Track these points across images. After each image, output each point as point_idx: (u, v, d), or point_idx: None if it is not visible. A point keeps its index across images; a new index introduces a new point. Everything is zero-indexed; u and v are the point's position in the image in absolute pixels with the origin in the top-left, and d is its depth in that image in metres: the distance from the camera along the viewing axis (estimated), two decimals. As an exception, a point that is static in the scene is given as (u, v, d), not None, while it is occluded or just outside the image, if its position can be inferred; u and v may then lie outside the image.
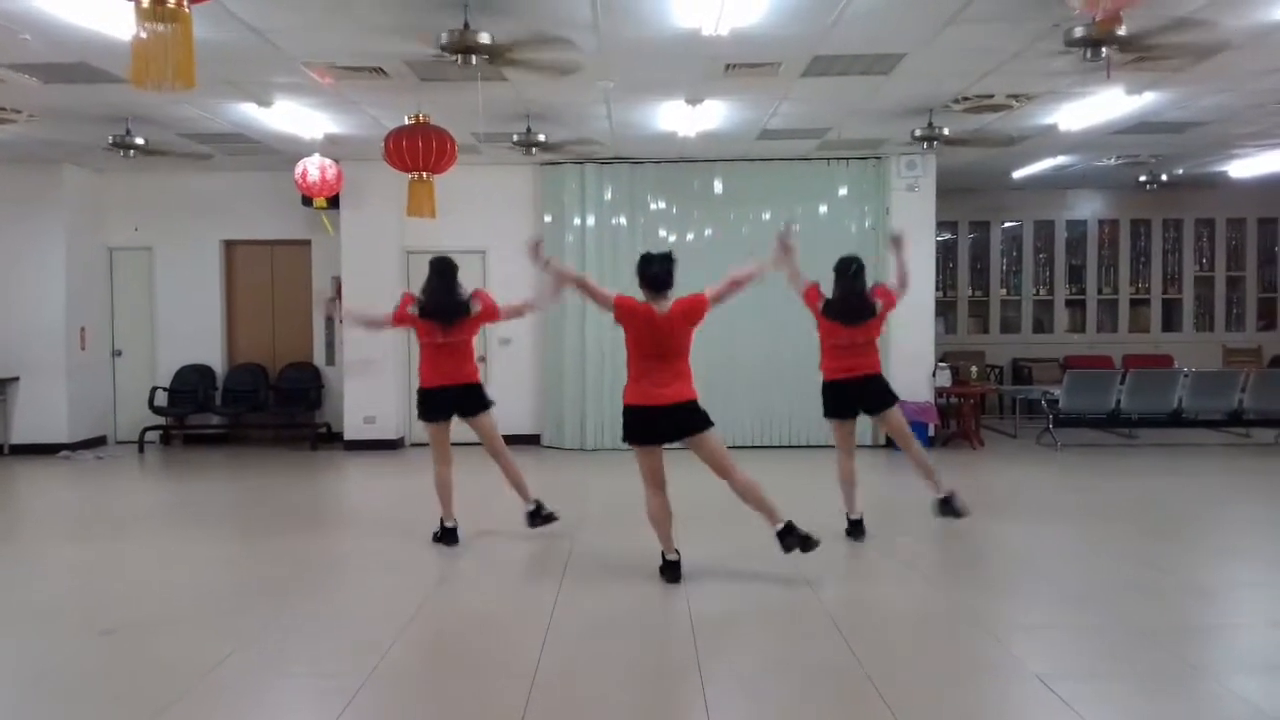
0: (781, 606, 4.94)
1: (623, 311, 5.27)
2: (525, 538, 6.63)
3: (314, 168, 9.30)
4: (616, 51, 6.54)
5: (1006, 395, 12.64)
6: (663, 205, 10.79)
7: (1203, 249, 13.76)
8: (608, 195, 10.70)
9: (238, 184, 11.09)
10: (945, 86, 7.60)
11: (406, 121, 6.97)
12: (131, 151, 8.58)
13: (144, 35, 3.76)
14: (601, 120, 8.65)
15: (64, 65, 6.68)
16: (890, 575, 5.67)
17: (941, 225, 11.82)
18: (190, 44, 3.82)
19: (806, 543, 5.22)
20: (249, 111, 8.09)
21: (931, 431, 10.44)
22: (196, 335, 11.32)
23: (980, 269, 13.77)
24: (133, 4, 3.74)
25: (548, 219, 10.80)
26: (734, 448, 10.39)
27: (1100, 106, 8.13)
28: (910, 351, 10.53)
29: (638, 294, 5.37)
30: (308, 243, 11.24)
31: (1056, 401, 10.56)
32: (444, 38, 5.60)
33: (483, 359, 10.67)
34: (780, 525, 5.26)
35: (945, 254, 13.35)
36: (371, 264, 10.67)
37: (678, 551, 5.41)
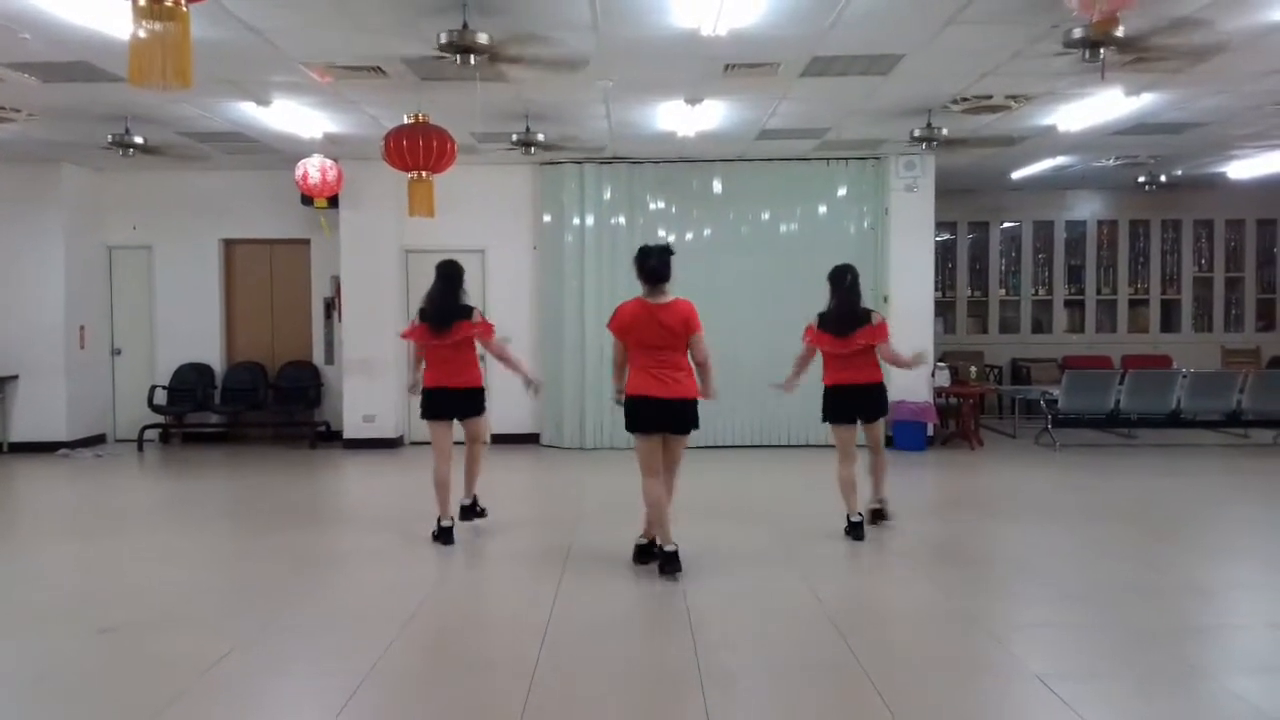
0: (781, 606, 4.94)
1: (622, 326, 5.42)
2: (524, 536, 6.65)
3: (314, 169, 9.31)
4: (615, 51, 6.54)
5: (1005, 395, 12.65)
6: (662, 205, 10.78)
7: (1201, 250, 13.77)
8: (607, 195, 10.70)
9: (237, 183, 11.09)
10: (944, 87, 7.60)
11: (406, 121, 6.96)
12: (131, 150, 8.57)
13: (142, 34, 3.76)
14: (600, 120, 8.65)
15: (63, 64, 6.67)
16: (889, 575, 5.68)
17: (940, 225, 11.82)
18: (188, 43, 3.81)
19: (672, 568, 5.36)
20: (248, 111, 8.09)
21: (930, 431, 10.45)
22: (196, 334, 11.32)
23: (979, 269, 13.78)
24: (130, 3, 3.74)
25: (547, 219, 10.80)
26: (735, 448, 10.54)
27: (1099, 108, 8.14)
28: (909, 351, 10.50)
29: (635, 292, 5.54)
30: (307, 242, 11.23)
31: (1055, 402, 10.56)
32: (443, 37, 5.60)
33: (482, 357, 10.64)
34: (673, 547, 5.38)
35: (944, 254, 13.35)
36: (370, 263, 10.67)
37: (675, 544, 5.42)
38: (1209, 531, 6.76)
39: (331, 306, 11.24)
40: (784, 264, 10.44)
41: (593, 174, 10.64)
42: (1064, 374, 10.93)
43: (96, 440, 11.12)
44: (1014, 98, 7.85)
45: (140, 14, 3.74)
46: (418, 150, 6.72)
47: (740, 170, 10.67)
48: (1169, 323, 13.75)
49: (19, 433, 10.65)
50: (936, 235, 11.24)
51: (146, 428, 10.98)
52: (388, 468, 9.67)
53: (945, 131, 8.47)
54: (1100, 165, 11.20)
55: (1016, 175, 11.85)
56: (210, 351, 11.36)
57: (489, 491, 6.99)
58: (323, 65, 6.82)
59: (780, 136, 9.49)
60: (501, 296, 10.70)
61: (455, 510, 6.45)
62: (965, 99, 7.89)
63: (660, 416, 5.36)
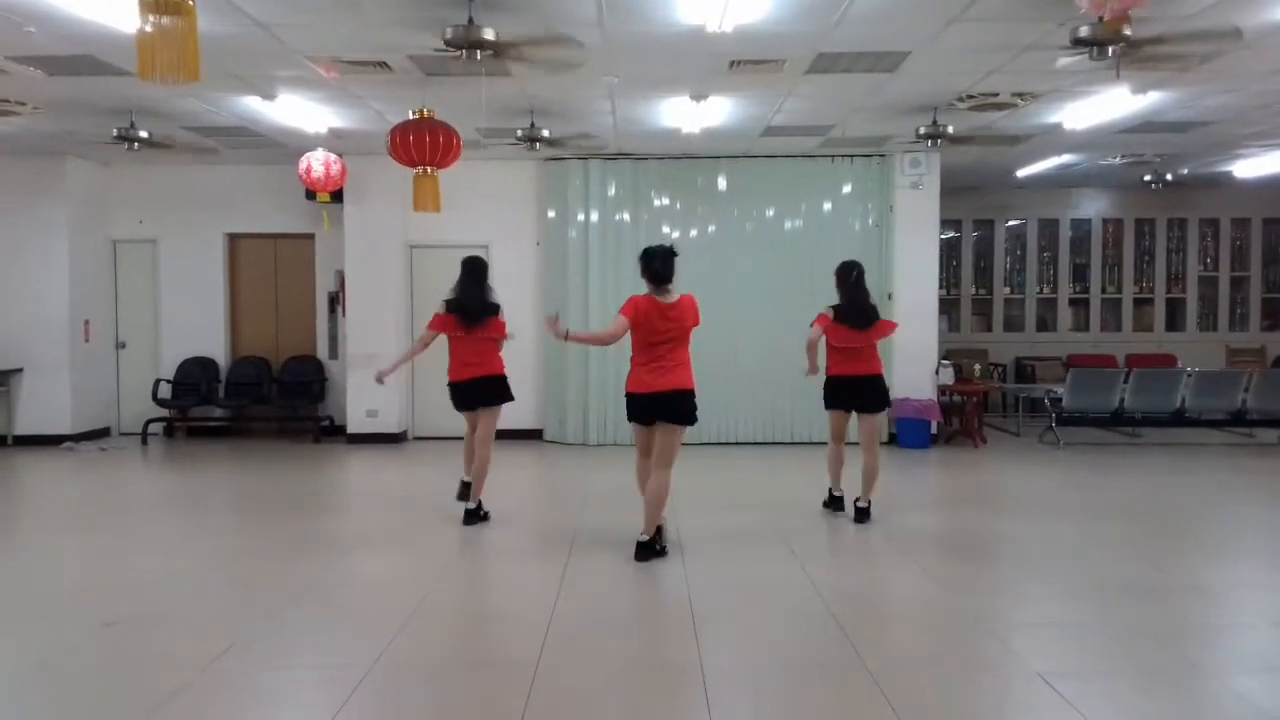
0: (783, 602, 4.95)
1: (635, 316, 5.60)
2: (528, 532, 6.66)
3: (318, 163, 9.30)
4: (621, 47, 6.54)
5: (1009, 393, 12.63)
6: (666, 201, 10.78)
7: (1207, 248, 13.75)
8: (611, 191, 10.70)
9: (242, 177, 11.11)
10: (950, 84, 7.58)
11: (411, 116, 6.96)
12: (136, 144, 8.58)
13: (148, 28, 3.76)
14: (605, 116, 8.64)
15: (68, 58, 6.68)
16: (892, 572, 5.68)
17: (945, 223, 11.81)
18: (195, 37, 3.82)
19: (655, 553, 5.70)
20: (253, 105, 8.09)
21: (934, 429, 10.44)
22: (200, 328, 11.34)
23: (984, 267, 13.76)
24: (138, -3, 3.75)
25: (551, 214, 10.80)
26: (737, 444, 10.54)
27: (1105, 105, 8.12)
28: (913, 349, 10.52)
29: (639, 289, 5.77)
30: (311, 236, 11.24)
31: (1059, 400, 10.55)
32: (448, 33, 5.60)
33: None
34: (646, 537, 5.70)
35: (949, 252, 13.34)
36: (375, 258, 10.68)
37: (661, 534, 5.77)
38: (1212, 531, 6.75)
39: (336, 301, 11.25)
40: (788, 261, 10.44)
41: (597, 170, 10.63)
42: (1068, 372, 10.92)
43: (101, 434, 11.15)
44: (1020, 95, 7.84)
45: (147, 8, 3.74)
46: (423, 145, 6.72)
47: (745, 167, 10.66)
48: (1174, 321, 13.73)
49: (23, 426, 10.67)
50: (941, 233, 11.24)
51: (150, 421, 11.00)
52: (391, 463, 9.68)
53: (951, 129, 8.45)
54: (1106, 163, 11.18)
55: (1022, 173, 11.83)
56: (214, 346, 11.38)
57: (493, 486, 7.01)
58: (328, 60, 6.82)
59: (785, 133, 9.48)
60: (505, 292, 10.45)
61: (461, 510, 6.72)
62: (971, 96, 7.87)
63: (654, 407, 5.65)
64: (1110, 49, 5.56)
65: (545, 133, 8.67)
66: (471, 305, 6.54)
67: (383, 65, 6.91)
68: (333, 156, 9.43)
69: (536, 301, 10.79)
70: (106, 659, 4.20)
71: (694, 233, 10.73)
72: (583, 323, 10.59)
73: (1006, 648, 4.28)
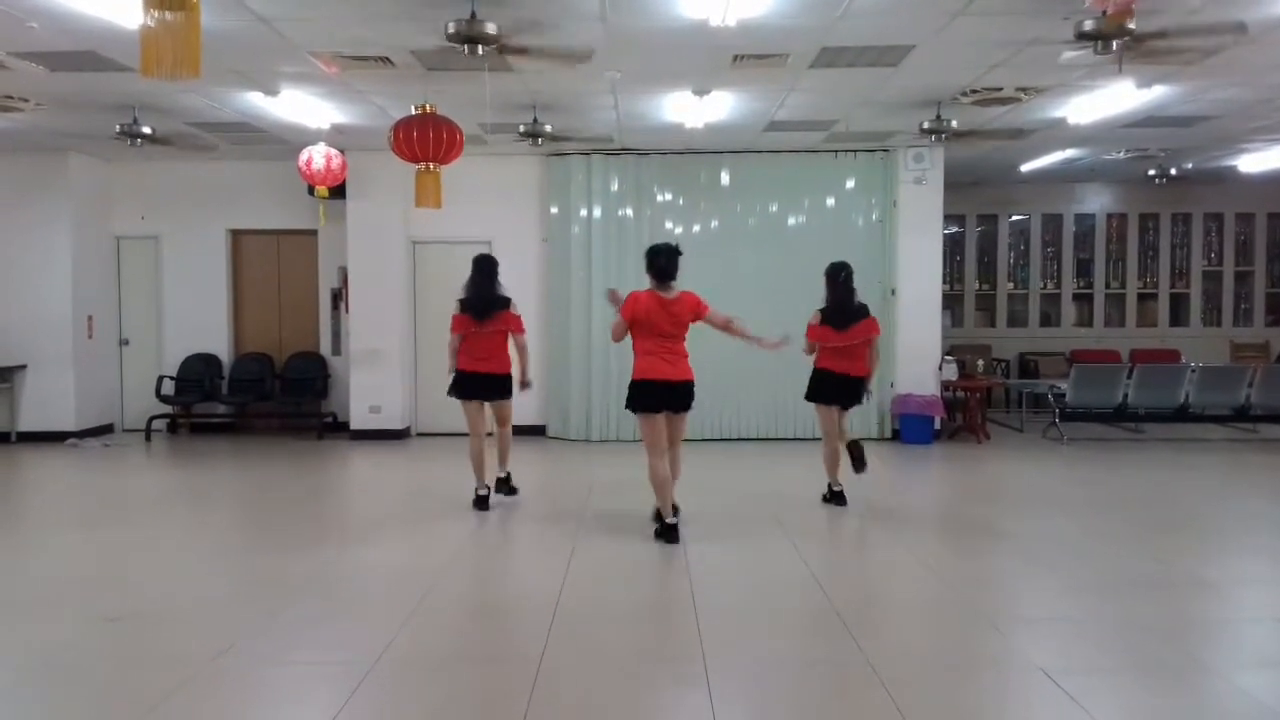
0: (786, 598, 4.95)
1: (635, 313, 5.94)
2: (531, 526, 6.67)
3: (319, 156, 9.30)
4: (623, 42, 6.52)
5: (1013, 389, 12.61)
6: (669, 197, 10.76)
7: (1211, 244, 13.72)
8: (614, 186, 10.68)
9: (244, 173, 11.11)
10: (954, 79, 7.56)
11: (413, 111, 6.95)
12: (139, 140, 8.57)
13: (151, 24, 3.76)
14: (608, 111, 8.63)
15: (71, 53, 6.68)
16: (895, 567, 5.67)
17: (949, 218, 11.78)
18: (197, 33, 3.82)
19: (670, 538, 5.97)
20: (256, 101, 8.09)
21: (937, 425, 10.43)
22: (203, 324, 11.35)
23: (987, 262, 13.74)
24: (140, -8, 3.74)
25: (554, 210, 10.79)
26: (741, 440, 10.54)
27: (1109, 100, 8.10)
28: (916, 345, 10.52)
29: (642, 285, 6.07)
30: (314, 233, 11.23)
31: (1063, 396, 10.54)
32: (451, 27, 5.59)
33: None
34: (675, 519, 6.03)
35: (952, 247, 13.32)
36: (377, 254, 10.68)
37: (676, 513, 6.06)
38: (1216, 526, 6.74)
39: (339, 297, 11.25)
40: (792, 257, 10.42)
41: (600, 165, 10.62)
42: (1072, 368, 10.90)
43: (104, 430, 11.17)
44: (1024, 90, 7.82)
45: (150, 3, 3.74)
46: (426, 141, 6.72)
47: (748, 162, 10.64)
48: (1178, 317, 13.71)
49: (27, 422, 10.68)
50: (945, 228, 11.22)
51: (154, 418, 11.01)
52: (394, 459, 9.68)
53: (954, 124, 8.43)
54: (1110, 158, 11.15)
55: (1025, 168, 11.81)
56: (218, 342, 11.39)
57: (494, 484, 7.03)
58: (330, 55, 6.81)
59: (789, 128, 9.46)
60: (508, 288, 10.58)
61: (490, 480, 7.11)
62: (975, 91, 7.85)
63: (665, 396, 5.93)
64: (1114, 43, 5.55)
65: (548, 128, 8.66)
66: (480, 301, 6.79)
67: (385, 60, 6.90)
68: (334, 151, 9.42)
69: (540, 297, 10.78)
70: (109, 654, 4.21)
71: (697, 228, 10.72)
72: (586, 318, 10.60)
73: (1009, 643, 4.28)
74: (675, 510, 6.07)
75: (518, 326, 6.88)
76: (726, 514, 6.84)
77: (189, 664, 3.96)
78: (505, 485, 7.27)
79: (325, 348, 11.46)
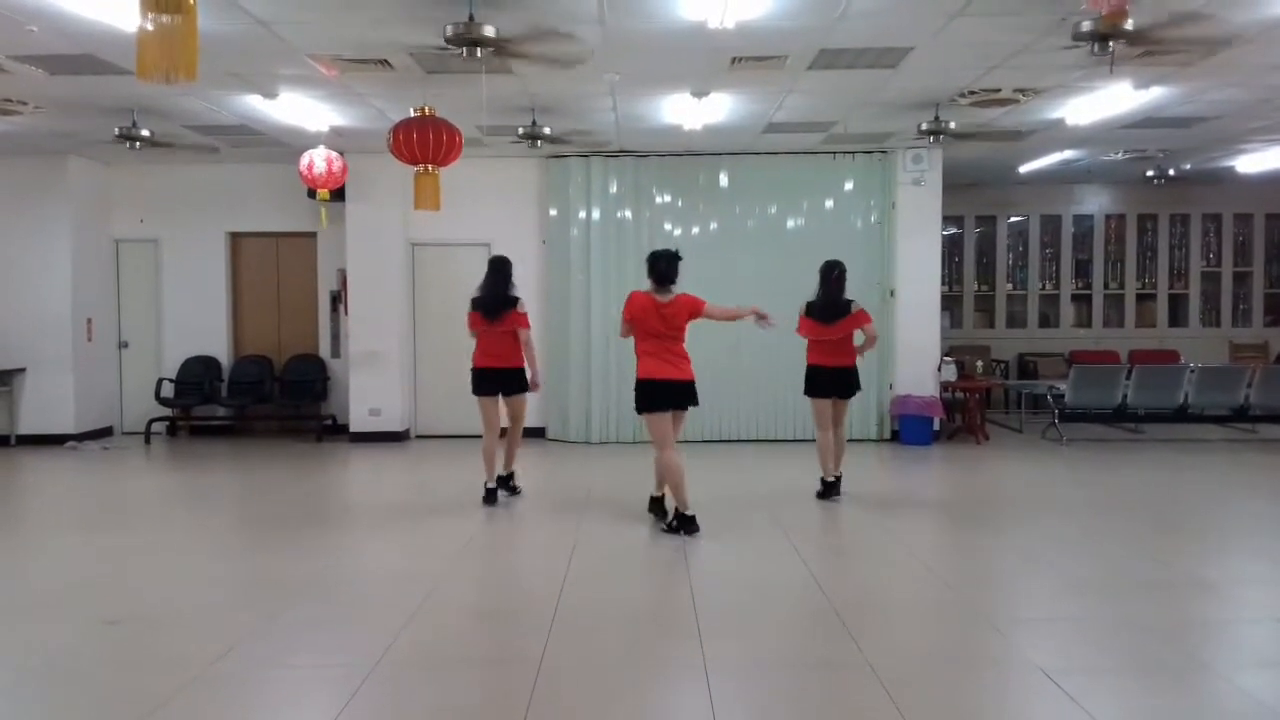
0: (786, 597, 4.95)
1: (632, 313, 6.22)
2: (531, 528, 6.67)
3: (320, 159, 9.30)
4: (622, 44, 6.53)
5: (1012, 390, 12.61)
6: (668, 199, 10.77)
7: (1210, 244, 13.72)
8: (613, 188, 10.69)
9: (243, 176, 11.11)
10: (952, 80, 7.57)
11: (412, 114, 6.95)
12: (137, 143, 8.59)
13: (149, 26, 3.76)
14: (607, 113, 8.64)
15: (70, 57, 6.68)
16: (894, 567, 5.67)
17: (947, 219, 11.79)
18: (194, 35, 3.81)
19: (689, 526, 6.24)
20: (254, 104, 8.09)
21: (936, 426, 10.43)
22: (202, 327, 11.35)
23: (986, 263, 13.74)
24: (138, -5, 3.74)
25: (553, 212, 10.80)
26: (739, 442, 10.54)
27: (1107, 101, 8.10)
28: (916, 346, 10.53)
29: (641, 287, 6.29)
30: (313, 235, 11.24)
31: (1062, 396, 10.54)
32: (449, 30, 5.59)
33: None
34: (691, 511, 6.26)
35: (951, 248, 13.32)
36: (376, 256, 10.68)
37: (689, 507, 6.26)
38: (1216, 526, 6.74)
39: (338, 300, 11.25)
40: (790, 258, 10.38)
41: (599, 167, 10.62)
42: (1071, 369, 10.90)
43: (104, 433, 11.17)
44: (1022, 91, 7.82)
45: (148, 6, 3.74)
46: (425, 143, 6.71)
47: (747, 164, 10.65)
48: (1177, 317, 13.71)
49: (27, 425, 10.68)
50: (943, 229, 11.23)
51: (153, 420, 11.01)
52: (394, 461, 9.68)
53: (953, 125, 8.45)
54: (1108, 159, 11.16)
55: (1024, 169, 11.81)
56: (217, 344, 11.39)
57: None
58: (329, 58, 6.82)
59: (787, 130, 9.47)
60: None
61: (481, 508, 7.13)
62: (973, 92, 7.86)
63: (671, 395, 6.18)
64: (1110, 44, 5.56)
65: (547, 130, 8.67)
66: (492, 299, 7.10)
67: (384, 63, 6.91)
68: (334, 154, 9.43)
69: (539, 299, 10.77)
70: (109, 657, 4.20)
71: (696, 230, 10.72)
72: (585, 320, 10.61)
73: (1009, 643, 4.28)
74: (660, 500, 6.34)
75: (522, 323, 7.13)
76: (726, 515, 6.84)
77: (189, 667, 3.96)
78: (506, 484, 7.43)
79: (324, 350, 11.46)
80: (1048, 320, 13.73)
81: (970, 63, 7.07)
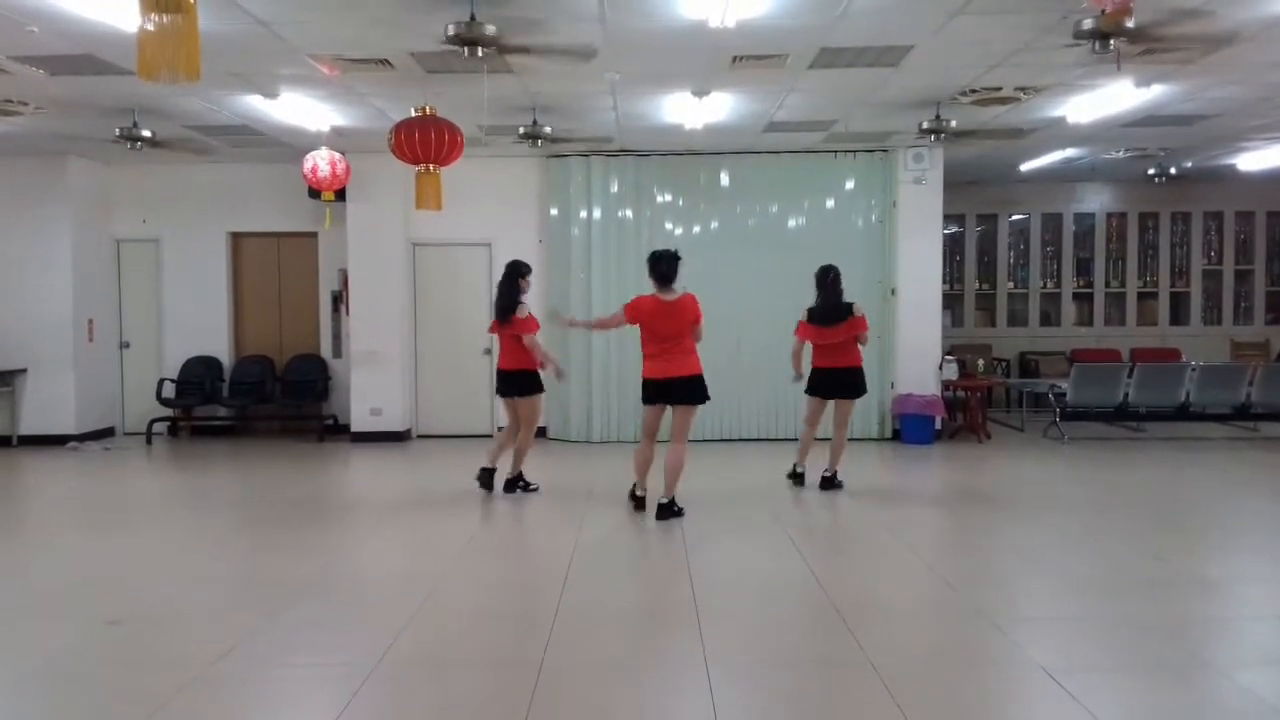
0: (787, 596, 4.95)
1: (636, 313, 6.50)
2: (532, 527, 6.67)
3: (324, 162, 9.29)
4: (623, 43, 6.53)
5: (1013, 389, 12.61)
6: (669, 198, 10.76)
7: (1211, 242, 13.71)
8: (614, 188, 10.69)
9: (244, 176, 11.12)
10: (953, 79, 7.57)
11: (413, 114, 6.95)
12: (138, 143, 8.59)
13: (149, 27, 3.76)
14: (608, 112, 8.64)
15: (70, 57, 6.68)
16: (896, 566, 5.67)
17: (948, 218, 11.79)
18: (196, 36, 3.81)
19: (673, 514, 6.58)
20: (255, 104, 8.09)
21: (938, 425, 10.43)
22: (203, 327, 11.35)
23: (987, 262, 13.73)
24: (138, -5, 3.74)
25: (554, 212, 10.80)
26: (741, 440, 10.53)
27: (1109, 99, 8.10)
28: (917, 344, 10.52)
29: (643, 290, 6.54)
30: (314, 235, 11.24)
31: (1063, 395, 10.53)
32: (450, 29, 5.59)
33: (488, 350, 10.68)
34: (666, 499, 6.58)
35: (952, 247, 13.31)
36: (377, 256, 10.68)
37: (645, 490, 6.78)
38: (1217, 524, 6.73)
39: (339, 300, 11.26)
40: (791, 257, 10.38)
41: (599, 167, 10.62)
42: (1072, 367, 10.90)
43: (105, 433, 11.17)
44: (1023, 89, 7.82)
45: (148, 6, 3.74)
46: (426, 143, 6.71)
47: (747, 163, 10.65)
48: (1178, 316, 13.70)
49: (28, 425, 10.69)
50: (944, 228, 11.22)
51: (154, 421, 11.01)
52: (395, 461, 9.69)
53: (954, 123, 8.44)
54: (1109, 157, 11.15)
55: (1025, 167, 11.81)
56: (218, 345, 11.39)
57: (497, 485, 7.02)
58: (330, 58, 6.82)
59: (788, 129, 9.47)
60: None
61: (503, 469, 7.55)
62: (974, 90, 7.86)
63: (668, 391, 6.46)
64: (1112, 42, 5.55)
65: (547, 129, 8.67)
66: (501, 304, 7.35)
67: (384, 63, 6.91)
68: (337, 155, 9.42)
69: (540, 298, 10.76)
70: (111, 657, 4.21)
71: (697, 229, 10.72)
72: (586, 319, 10.56)
73: (1010, 641, 4.27)
74: (643, 498, 6.73)
75: (522, 328, 7.25)
76: (727, 513, 6.84)
77: (189, 667, 3.96)
78: (514, 485, 7.59)
79: (326, 350, 11.46)
80: (1049, 319, 13.72)
81: (971, 61, 7.07)
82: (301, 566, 5.63)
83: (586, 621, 4.57)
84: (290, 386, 11.24)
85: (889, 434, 10.64)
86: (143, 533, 6.74)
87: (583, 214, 10.68)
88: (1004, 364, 13.16)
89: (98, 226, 11.09)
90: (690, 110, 8.41)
